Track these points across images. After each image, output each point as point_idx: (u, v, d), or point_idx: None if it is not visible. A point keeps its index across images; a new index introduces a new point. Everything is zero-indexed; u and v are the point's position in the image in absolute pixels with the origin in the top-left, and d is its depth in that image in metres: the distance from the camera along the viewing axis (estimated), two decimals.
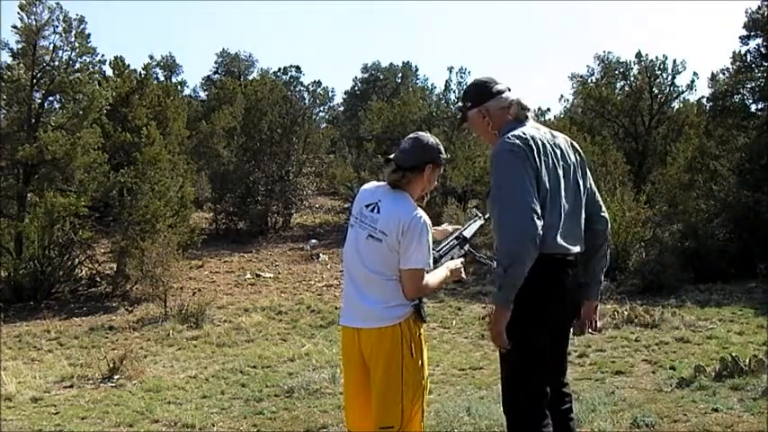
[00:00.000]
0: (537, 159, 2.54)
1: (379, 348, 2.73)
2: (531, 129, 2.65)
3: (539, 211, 2.47)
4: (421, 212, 2.76)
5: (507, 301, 2.49)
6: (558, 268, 2.59)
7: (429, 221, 2.76)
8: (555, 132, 2.75)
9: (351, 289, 2.84)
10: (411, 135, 2.91)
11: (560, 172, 2.63)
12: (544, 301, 2.58)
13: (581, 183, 2.72)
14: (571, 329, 2.87)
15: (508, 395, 2.70)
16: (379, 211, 2.79)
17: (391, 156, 2.87)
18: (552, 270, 2.57)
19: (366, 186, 2.97)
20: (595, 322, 2.91)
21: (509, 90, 2.73)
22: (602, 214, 2.82)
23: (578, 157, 2.76)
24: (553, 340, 2.69)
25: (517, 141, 2.55)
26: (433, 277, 2.78)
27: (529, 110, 2.71)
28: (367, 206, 2.84)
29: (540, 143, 2.59)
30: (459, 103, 2.88)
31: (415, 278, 2.71)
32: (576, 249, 2.66)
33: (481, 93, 2.73)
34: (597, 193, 2.84)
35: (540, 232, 2.45)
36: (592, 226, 2.77)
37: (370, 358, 2.76)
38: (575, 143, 2.82)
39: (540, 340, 2.61)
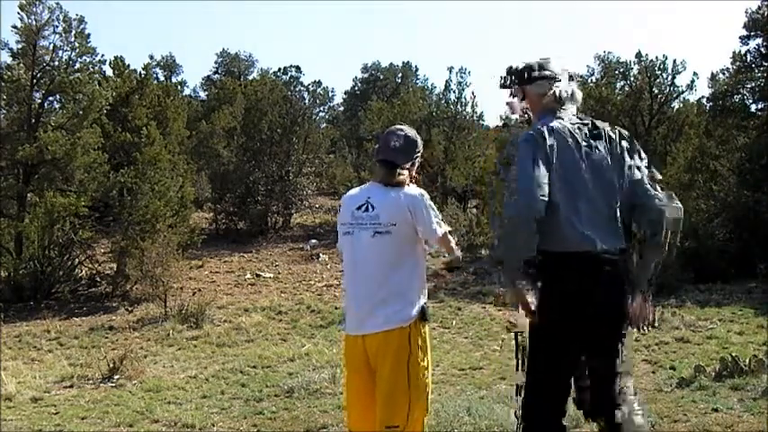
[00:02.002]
0: (553, 149, 2.49)
1: (385, 348, 2.73)
2: (561, 121, 2.59)
3: (539, 194, 2.39)
4: (414, 189, 2.84)
5: (509, 282, 2.46)
6: (584, 264, 2.47)
7: (423, 191, 2.84)
8: (599, 123, 2.66)
9: (358, 294, 2.83)
10: (395, 132, 2.94)
11: (586, 164, 2.53)
12: (567, 300, 2.47)
13: (620, 175, 2.58)
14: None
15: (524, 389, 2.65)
16: (373, 208, 2.81)
17: (383, 157, 2.90)
18: (579, 267, 2.47)
19: (347, 195, 3.00)
20: (645, 319, 2.65)
21: (554, 79, 2.67)
22: (650, 204, 2.59)
23: (621, 148, 2.62)
24: (588, 346, 2.54)
25: (531, 133, 2.54)
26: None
27: (563, 102, 2.65)
28: (358, 208, 2.85)
29: (562, 135, 2.53)
30: (504, 74, 2.83)
31: (446, 243, 2.84)
32: (606, 246, 2.49)
33: (523, 75, 2.72)
34: (646, 184, 2.62)
35: (541, 215, 2.38)
36: (639, 218, 2.60)
37: (376, 357, 2.76)
38: (622, 131, 2.69)
39: (551, 339, 2.52)
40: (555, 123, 2.58)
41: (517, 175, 2.46)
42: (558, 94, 2.65)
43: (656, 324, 2.71)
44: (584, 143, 2.58)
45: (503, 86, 2.80)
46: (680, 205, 2.61)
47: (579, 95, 2.71)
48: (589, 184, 2.53)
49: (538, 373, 2.58)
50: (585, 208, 2.51)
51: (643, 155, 2.68)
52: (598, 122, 2.67)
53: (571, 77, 2.70)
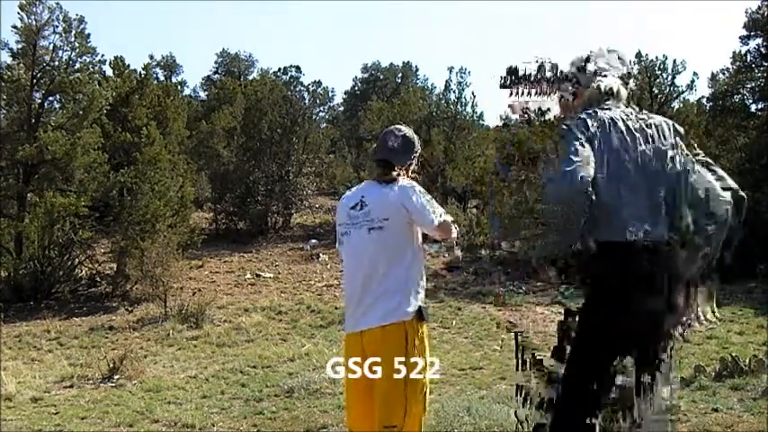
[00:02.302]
0: (596, 136, 2.42)
1: (383, 347, 2.73)
2: (606, 111, 2.52)
3: (583, 174, 2.31)
4: (406, 181, 2.83)
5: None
6: (627, 255, 2.39)
7: (414, 183, 2.83)
8: (653, 115, 2.61)
9: (356, 292, 2.83)
10: (393, 132, 2.96)
11: (630, 153, 2.46)
12: (611, 293, 2.39)
13: (668, 165, 2.51)
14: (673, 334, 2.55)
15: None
16: (366, 205, 2.83)
17: (380, 157, 2.91)
18: (621, 257, 2.39)
19: (343, 196, 3.01)
20: (688, 317, 2.53)
21: (598, 74, 2.64)
22: (700, 195, 2.52)
23: (671, 138, 2.55)
24: (632, 342, 2.44)
25: (580, 116, 2.49)
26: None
27: (606, 97, 2.59)
28: (352, 208, 2.87)
29: (605, 123, 2.46)
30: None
31: (444, 228, 2.78)
32: (650, 235, 2.41)
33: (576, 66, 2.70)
34: (696, 174, 2.54)
35: (583, 194, 2.29)
36: (688, 208, 2.51)
37: (375, 356, 2.76)
38: (676, 125, 2.62)
39: (596, 337, 2.43)
40: (599, 112, 2.51)
41: (564, 151, 2.38)
42: (602, 88, 2.60)
43: (702, 322, 2.46)
44: (628, 132, 2.49)
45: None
46: (728, 198, 2.54)
47: (624, 93, 2.65)
48: (633, 172, 2.45)
49: (578, 376, 2.48)
50: (628, 196, 2.43)
51: (697, 149, 2.61)
52: (648, 113, 2.61)
53: (628, 75, 2.65)
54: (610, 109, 2.54)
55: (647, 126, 2.53)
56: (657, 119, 2.59)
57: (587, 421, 2.47)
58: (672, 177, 2.52)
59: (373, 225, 2.78)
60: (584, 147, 2.37)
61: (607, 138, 2.45)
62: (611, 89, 2.60)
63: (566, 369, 2.52)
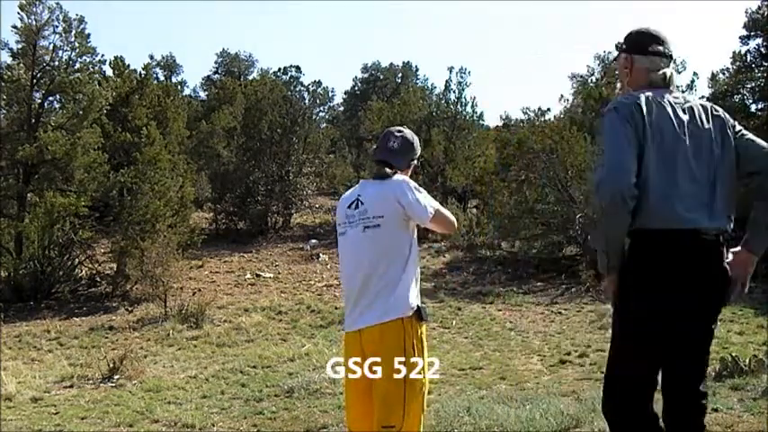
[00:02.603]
0: (645, 119, 2.34)
1: (381, 347, 2.73)
2: (657, 96, 2.44)
3: (632, 170, 2.27)
4: (398, 176, 2.83)
5: (603, 267, 2.37)
6: (678, 244, 2.32)
7: (408, 179, 2.84)
8: (689, 98, 2.54)
9: (353, 290, 2.83)
10: (394, 134, 2.95)
11: (686, 136, 2.39)
12: (658, 283, 2.31)
13: (721, 149, 2.44)
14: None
15: (604, 383, 2.51)
16: (362, 203, 2.83)
17: (380, 158, 2.92)
18: (673, 246, 2.31)
19: (342, 197, 3.03)
20: (742, 283, 2.47)
21: (667, 58, 2.54)
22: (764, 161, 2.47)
23: (718, 122, 2.49)
24: (677, 337, 2.38)
25: (624, 100, 2.39)
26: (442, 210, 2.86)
27: (668, 86, 2.51)
28: (349, 207, 2.88)
29: (654, 103, 2.39)
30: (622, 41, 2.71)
31: (440, 220, 2.81)
32: (705, 225, 2.35)
33: (638, 44, 2.56)
34: (756, 144, 2.50)
35: (632, 193, 2.25)
36: (754, 179, 2.49)
37: (374, 355, 2.76)
38: (715, 107, 2.54)
39: (642, 323, 2.36)
40: (644, 96, 2.40)
41: (606, 148, 2.33)
42: (668, 75, 2.51)
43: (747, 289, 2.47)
44: (683, 115, 2.42)
45: (618, 51, 2.66)
46: None
47: (676, 79, 2.58)
48: (690, 157, 2.37)
49: (624, 369, 2.43)
50: (684, 183, 2.34)
51: (737, 125, 2.56)
52: (685, 97, 2.54)
53: (667, 56, 2.56)
54: (663, 94, 2.45)
55: (689, 110, 2.46)
56: (695, 101, 2.53)
57: (646, 411, 2.42)
58: (736, 158, 2.46)
59: (369, 223, 2.78)
60: (631, 137, 2.30)
61: (663, 120, 2.37)
62: (663, 74, 2.52)
63: (615, 361, 2.47)
